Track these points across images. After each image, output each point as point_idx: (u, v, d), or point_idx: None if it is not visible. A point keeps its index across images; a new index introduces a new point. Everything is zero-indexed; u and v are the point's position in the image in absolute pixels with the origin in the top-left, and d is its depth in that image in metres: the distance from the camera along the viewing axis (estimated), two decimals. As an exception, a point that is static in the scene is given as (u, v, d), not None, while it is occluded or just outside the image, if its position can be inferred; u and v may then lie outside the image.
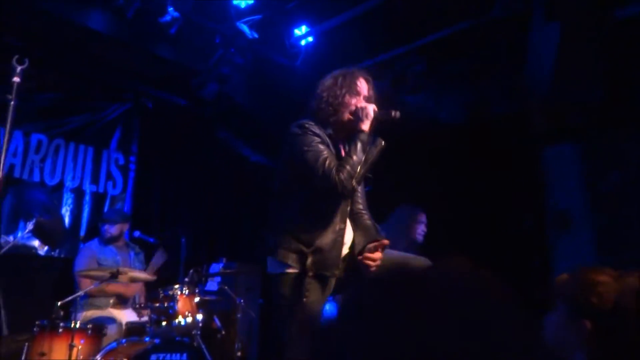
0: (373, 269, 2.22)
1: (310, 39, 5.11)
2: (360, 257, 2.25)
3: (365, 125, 2.23)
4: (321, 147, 2.18)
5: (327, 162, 2.13)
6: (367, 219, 2.43)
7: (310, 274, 2.10)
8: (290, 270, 2.14)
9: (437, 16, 4.38)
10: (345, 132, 2.34)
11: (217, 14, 4.71)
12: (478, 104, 4.78)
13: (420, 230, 3.90)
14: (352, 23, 4.80)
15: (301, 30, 5.09)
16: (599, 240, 4.20)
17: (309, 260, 2.11)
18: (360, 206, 2.46)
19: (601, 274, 1.33)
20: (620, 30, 3.77)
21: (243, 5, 4.65)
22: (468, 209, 4.74)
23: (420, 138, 4.98)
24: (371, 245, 2.26)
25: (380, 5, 4.53)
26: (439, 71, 4.81)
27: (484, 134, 4.74)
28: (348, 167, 2.13)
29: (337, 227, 2.20)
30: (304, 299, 2.08)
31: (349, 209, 2.31)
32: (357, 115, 2.26)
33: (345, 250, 2.29)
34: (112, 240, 4.42)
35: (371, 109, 2.26)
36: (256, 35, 4.84)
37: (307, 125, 2.22)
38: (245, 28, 4.76)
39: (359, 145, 2.18)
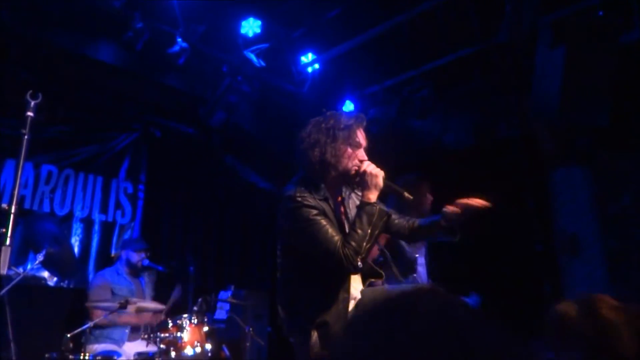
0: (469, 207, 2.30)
1: (316, 66, 5.17)
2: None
3: (374, 196, 2.09)
4: (320, 221, 2.03)
5: (330, 238, 1.99)
6: None
7: (315, 350, 1.97)
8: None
9: (443, 42, 4.42)
10: (342, 183, 2.27)
11: (225, 43, 4.77)
12: (485, 127, 4.78)
13: (430, 202, 3.56)
14: (358, 50, 4.85)
15: (307, 57, 5.16)
16: (609, 265, 4.14)
17: (314, 337, 1.99)
18: None
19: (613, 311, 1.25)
20: (625, 55, 3.79)
21: (250, 34, 4.71)
22: (476, 234, 4.69)
23: (427, 162, 4.97)
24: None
25: (386, 32, 4.58)
26: (445, 95, 4.83)
27: (491, 157, 4.72)
28: (353, 244, 1.98)
29: (341, 297, 2.06)
30: None
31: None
32: (365, 182, 2.11)
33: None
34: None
35: (380, 178, 2.11)
36: (263, 64, 4.89)
37: (299, 198, 2.05)
38: (252, 56, 4.81)
39: (364, 218, 2.04)
